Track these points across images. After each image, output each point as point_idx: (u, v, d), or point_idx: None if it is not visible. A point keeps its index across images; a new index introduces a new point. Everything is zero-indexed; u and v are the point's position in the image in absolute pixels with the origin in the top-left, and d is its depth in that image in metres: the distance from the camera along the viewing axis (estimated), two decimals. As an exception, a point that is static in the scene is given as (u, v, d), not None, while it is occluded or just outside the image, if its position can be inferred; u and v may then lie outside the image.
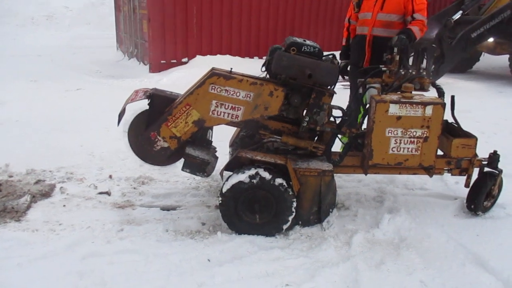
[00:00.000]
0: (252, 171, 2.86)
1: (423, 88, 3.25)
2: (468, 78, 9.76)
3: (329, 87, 3.06)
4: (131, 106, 3.07)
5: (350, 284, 2.49)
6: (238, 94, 2.92)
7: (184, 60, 9.60)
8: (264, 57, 3.21)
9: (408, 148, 2.99)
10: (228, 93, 2.92)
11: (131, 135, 3.12)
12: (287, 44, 3.00)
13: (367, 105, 3.18)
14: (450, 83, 8.61)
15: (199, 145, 3.12)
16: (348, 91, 4.57)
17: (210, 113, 2.96)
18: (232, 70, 3.03)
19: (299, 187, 2.92)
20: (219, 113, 2.96)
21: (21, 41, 13.14)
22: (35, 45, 12.43)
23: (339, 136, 3.30)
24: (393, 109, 2.91)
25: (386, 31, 4.00)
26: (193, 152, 3.00)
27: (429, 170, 3.15)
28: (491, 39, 8.85)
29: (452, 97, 3.22)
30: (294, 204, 2.90)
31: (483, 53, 10.30)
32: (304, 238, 2.95)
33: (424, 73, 4.02)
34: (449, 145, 3.15)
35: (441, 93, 3.14)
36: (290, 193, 2.88)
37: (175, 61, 9.54)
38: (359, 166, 3.24)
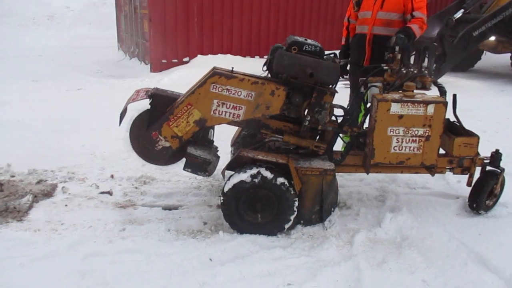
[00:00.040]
0: (254, 171, 2.85)
1: (425, 87, 3.24)
2: (469, 77, 9.75)
3: (330, 86, 3.06)
4: (133, 106, 3.07)
5: (352, 283, 2.48)
6: (239, 93, 2.92)
7: (185, 59, 9.62)
8: (265, 56, 3.21)
9: (410, 147, 2.99)
10: (230, 92, 2.92)
11: (133, 135, 3.12)
12: (289, 43, 2.99)
13: (369, 104, 3.18)
14: (451, 82, 8.60)
15: (201, 145, 3.12)
16: (349, 90, 4.57)
17: (212, 112, 2.95)
18: (234, 69, 3.02)
19: (301, 186, 2.92)
20: (220, 113, 2.96)
21: (22, 42, 13.17)
22: (36, 45, 12.46)
23: (341, 135, 3.29)
24: (395, 108, 2.91)
25: (386, 30, 4.00)
26: (195, 151, 3.00)
27: (431, 169, 3.15)
28: (492, 38, 8.83)
29: (454, 96, 3.21)
30: (296, 203, 2.90)
31: (484, 51, 10.29)
32: (306, 237, 2.94)
33: (426, 71, 4.01)
34: (451, 144, 3.14)
35: (443, 91, 3.14)
36: (292, 192, 2.87)
37: (176, 60, 9.56)
38: (361, 165, 3.24)
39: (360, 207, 3.35)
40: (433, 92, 3.16)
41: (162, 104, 3.04)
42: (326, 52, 3.09)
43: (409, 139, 2.97)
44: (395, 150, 2.99)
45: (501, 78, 9.65)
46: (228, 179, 2.91)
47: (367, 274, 2.55)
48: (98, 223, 3.03)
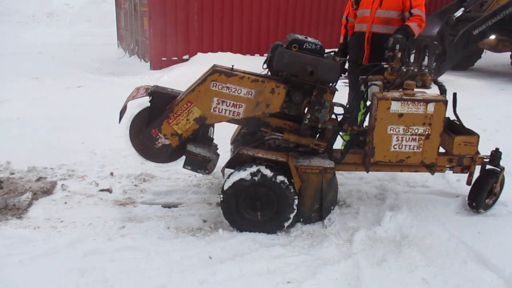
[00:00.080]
0: (254, 169, 2.85)
1: (425, 86, 3.24)
2: (469, 76, 9.74)
3: (330, 84, 3.06)
4: (133, 103, 3.07)
5: (351, 282, 2.48)
6: (239, 91, 2.92)
7: (185, 57, 9.60)
8: (265, 54, 3.20)
9: (410, 146, 2.99)
10: (230, 90, 2.91)
11: (133, 132, 3.12)
12: (289, 41, 2.99)
13: (369, 102, 3.18)
14: (451, 81, 8.60)
15: (201, 143, 3.12)
16: (347, 88, 4.56)
17: (212, 110, 2.95)
18: (234, 67, 3.02)
19: (301, 185, 2.92)
20: (220, 110, 2.95)
21: (22, 39, 13.15)
22: (36, 43, 12.44)
23: (341, 133, 3.29)
24: (395, 107, 2.91)
25: (385, 28, 4.00)
26: (195, 149, 3.00)
27: (431, 168, 3.15)
28: (492, 36, 8.83)
29: (454, 95, 3.21)
30: (296, 202, 2.90)
31: (484, 50, 10.28)
32: (305, 236, 2.95)
33: (426, 70, 4.00)
34: (451, 143, 3.14)
35: (443, 90, 3.13)
36: (292, 190, 2.87)
37: (176, 58, 9.54)
38: (360, 163, 3.23)
39: (359, 205, 3.35)
40: (433, 91, 3.16)
41: (162, 101, 3.04)
42: (327, 50, 3.08)
43: (409, 138, 2.97)
44: (395, 148, 2.99)
45: (501, 77, 9.65)
46: (228, 177, 2.91)
47: (366, 272, 2.55)
48: (97, 221, 3.03)
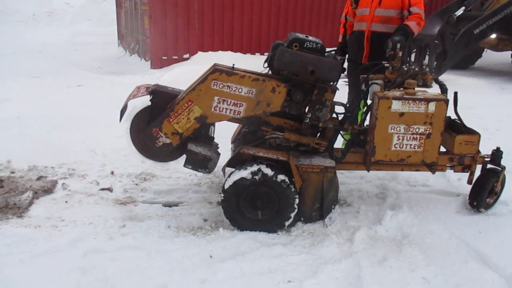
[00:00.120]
0: (254, 168, 2.85)
1: (426, 85, 3.24)
2: (470, 75, 9.73)
3: (331, 83, 3.05)
4: (133, 102, 3.07)
5: (352, 281, 2.48)
6: (240, 90, 2.92)
7: (186, 56, 9.60)
8: (266, 53, 3.20)
9: (411, 145, 2.99)
10: (230, 89, 2.91)
11: (133, 131, 3.12)
12: (290, 40, 2.98)
13: (369, 102, 3.17)
14: (452, 80, 8.59)
15: (201, 142, 3.11)
16: (347, 87, 4.56)
17: (212, 109, 2.95)
18: (234, 66, 3.02)
19: (301, 184, 2.92)
20: (221, 109, 2.95)
21: (22, 38, 13.14)
22: (36, 42, 12.43)
23: (342, 132, 3.29)
24: (396, 106, 2.90)
25: (385, 27, 3.99)
26: (195, 148, 3.00)
27: (432, 167, 3.14)
28: (493, 36, 8.82)
29: (455, 94, 3.20)
30: (296, 201, 2.89)
31: (485, 49, 10.26)
32: (306, 235, 2.94)
33: (427, 69, 4.00)
34: (452, 142, 3.14)
35: (444, 89, 3.13)
36: (292, 189, 2.87)
37: (176, 57, 9.54)
38: (361, 162, 3.23)
39: (360, 204, 3.35)
40: (434, 90, 3.16)
41: (162, 100, 3.04)
42: (327, 49, 3.08)
43: (410, 137, 2.96)
44: (396, 147, 2.99)
45: (502, 76, 9.63)
46: (229, 176, 2.91)
47: (367, 271, 2.55)
48: (98, 220, 3.03)
